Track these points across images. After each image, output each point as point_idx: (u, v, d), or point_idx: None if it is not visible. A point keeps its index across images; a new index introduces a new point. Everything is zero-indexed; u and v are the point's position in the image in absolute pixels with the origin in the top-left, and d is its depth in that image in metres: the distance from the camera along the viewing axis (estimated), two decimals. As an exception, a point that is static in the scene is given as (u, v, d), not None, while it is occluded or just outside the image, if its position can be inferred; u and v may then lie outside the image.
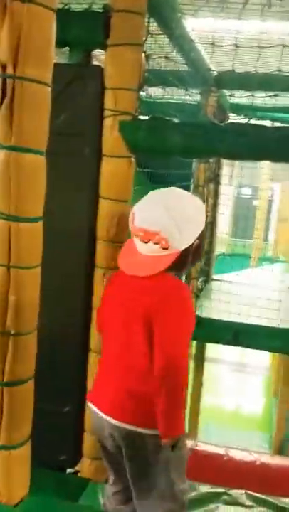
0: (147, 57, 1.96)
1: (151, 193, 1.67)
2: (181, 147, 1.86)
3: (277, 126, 1.83)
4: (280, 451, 5.74)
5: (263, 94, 3.09)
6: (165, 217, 1.57)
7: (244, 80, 3.02)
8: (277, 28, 2.87)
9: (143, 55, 1.93)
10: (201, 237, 1.64)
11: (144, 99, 2.23)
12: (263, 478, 2.24)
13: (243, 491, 2.10)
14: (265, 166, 10.49)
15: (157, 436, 1.54)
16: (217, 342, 3.30)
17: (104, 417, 1.60)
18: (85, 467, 2.13)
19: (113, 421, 1.58)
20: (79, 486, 2.03)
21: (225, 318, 2.98)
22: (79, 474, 2.15)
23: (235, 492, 2.08)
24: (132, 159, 1.97)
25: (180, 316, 1.54)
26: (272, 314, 4.52)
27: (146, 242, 1.59)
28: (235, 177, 7.45)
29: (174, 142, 1.86)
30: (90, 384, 2.07)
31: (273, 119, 4.18)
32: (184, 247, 1.59)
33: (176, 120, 2.16)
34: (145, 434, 1.55)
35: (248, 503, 2.03)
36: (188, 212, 1.61)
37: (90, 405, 1.69)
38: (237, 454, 2.30)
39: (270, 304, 4.64)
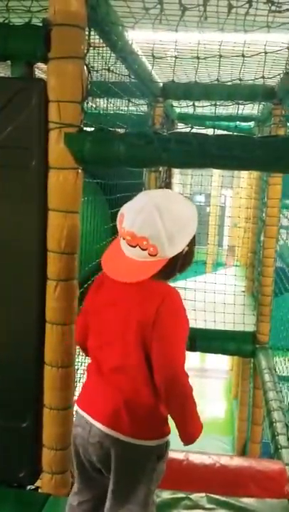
0: (89, 69, 1.98)
1: (142, 193, 1.59)
2: (127, 157, 1.88)
3: (218, 134, 1.88)
4: (242, 452, 5.83)
5: (208, 104, 3.17)
6: (155, 224, 1.48)
7: (188, 90, 3.09)
8: (216, 38, 2.95)
9: (85, 67, 1.95)
10: (191, 244, 1.58)
11: (90, 111, 2.25)
12: (223, 479, 2.27)
13: (204, 494, 2.12)
14: (215, 173, 10.71)
15: (150, 448, 1.53)
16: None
17: (97, 424, 1.54)
18: (46, 482, 2.11)
19: (107, 430, 1.52)
20: (39, 502, 2.01)
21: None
22: (39, 490, 2.13)
23: (196, 496, 2.10)
24: (79, 170, 1.98)
25: (175, 325, 1.51)
26: (228, 318, 4.63)
27: (133, 247, 1.51)
28: (188, 185, 7.58)
29: (119, 152, 1.88)
30: (47, 398, 2.06)
31: (221, 128, 4.29)
32: (172, 255, 1.52)
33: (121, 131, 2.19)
34: (139, 445, 1.52)
35: (209, 505, 2.06)
36: (179, 219, 1.53)
37: (80, 411, 1.61)
38: (196, 458, 2.33)
39: (225, 308, 4.75)
